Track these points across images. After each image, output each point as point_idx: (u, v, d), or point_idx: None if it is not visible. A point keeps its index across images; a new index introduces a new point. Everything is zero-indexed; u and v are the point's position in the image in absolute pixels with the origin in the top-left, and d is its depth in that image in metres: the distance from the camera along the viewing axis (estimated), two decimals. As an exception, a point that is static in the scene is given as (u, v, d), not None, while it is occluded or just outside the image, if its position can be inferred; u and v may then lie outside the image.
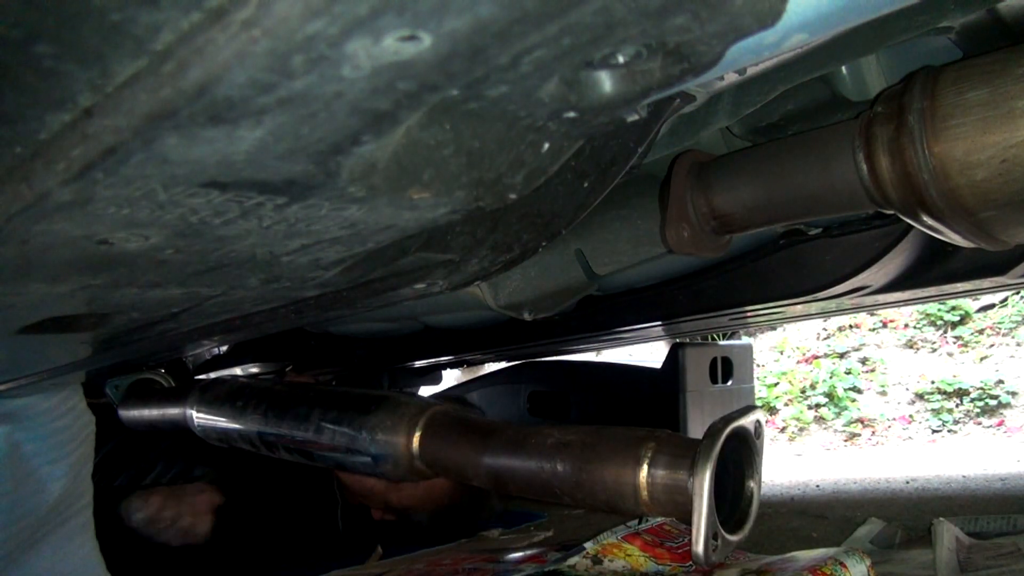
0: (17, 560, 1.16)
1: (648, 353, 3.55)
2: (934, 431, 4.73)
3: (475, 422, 1.05)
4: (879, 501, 2.26)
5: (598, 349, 3.39)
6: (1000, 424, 4.56)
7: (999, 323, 5.15)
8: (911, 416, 4.90)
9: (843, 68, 0.81)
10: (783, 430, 5.16)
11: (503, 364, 3.00)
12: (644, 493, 0.82)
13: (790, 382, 5.43)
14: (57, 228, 0.42)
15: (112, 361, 1.02)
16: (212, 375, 2.27)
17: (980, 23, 0.71)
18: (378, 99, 0.34)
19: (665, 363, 2.47)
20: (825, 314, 3.07)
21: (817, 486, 2.63)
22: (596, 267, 1.11)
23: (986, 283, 1.32)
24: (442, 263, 0.63)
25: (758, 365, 5.52)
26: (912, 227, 0.79)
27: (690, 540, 0.76)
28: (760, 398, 5.22)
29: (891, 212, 0.72)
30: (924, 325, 5.41)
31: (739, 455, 0.87)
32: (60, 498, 1.19)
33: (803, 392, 5.34)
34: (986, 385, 4.76)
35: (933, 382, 4.99)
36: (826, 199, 0.75)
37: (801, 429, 5.11)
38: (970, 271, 1.22)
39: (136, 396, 1.67)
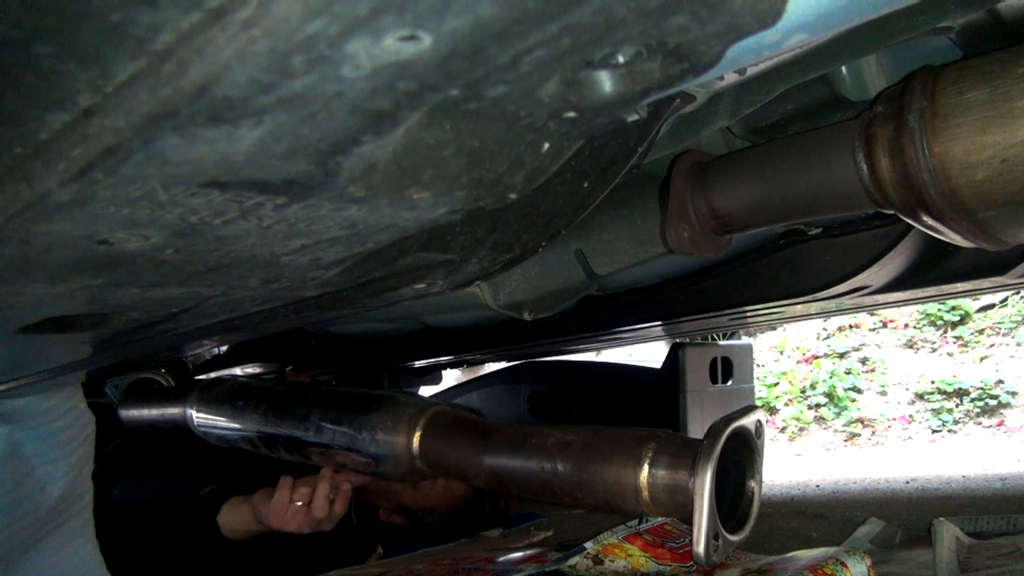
0: (17, 560, 1.16)
1: (648, 353, 3.55)
2: (934, 431, 4.73)
3: (475, 422, 1.05)
4: (879, 501, 2.26)
5: (598, 349, 3.39)
6: (1000, 424, 4.56)
7: (999, 323, 5.15)
8: (911, 416, 4.91)
9: (843, 68, 0.81)
10: (783, 430, 5.16)
11: (503, 364, 3.00)
12: (645, 493, 0.82)
13: (790, 382, 5.43)
14: (57, 228, 0.42)
15: (112, 361, 1.02)
16: (212, 375, 2.27)
17: (980, 23, 0.71)
18: (378, 99, 0.34)
19: (665, 363, 2.47)
20: (825, 314, 3.07)
21: (817, 486, 2.63)
22: (596, 267, 1.11)
23: (986, 283, 1.32)
24: (442, 263, 0.63)
25: (758, 365, 5.52)
26: (912, 227, 0.79)
27: (691, 540, 0.77)
28: (760, 398, 5.22)
29: (891, 212, 0.72)
30: (924, 325, 5.41)
31: (740, 455, 0.87)
32: (60, 498, 1.19)
33: (803, 392, 5.34)
34: (986, 385, 4.76)
35: (933, 382, 4.99)
36: (826, 199, 0.75)
37: (801, 429, 5.11)
38: (970, 271, 1.22)
39: (136, 396, 1.67)
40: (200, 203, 0.41)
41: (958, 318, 5.29)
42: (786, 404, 5.31)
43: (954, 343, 5.24)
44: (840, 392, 5.18)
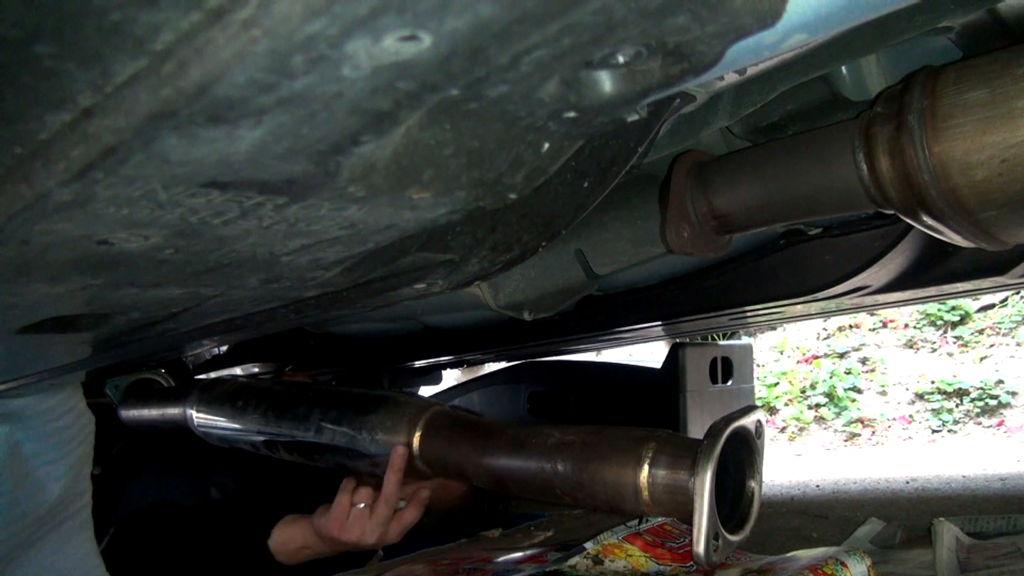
0: (16, 559, 1.16)
1: (648, 353, 3.55)
2: (934, 431, 4.72)
3: (475, 422, 1.05)
4: (879, 501, 2.26)
5: (598, 349, 3.39)
6: (1000, 424, 4.56)
7: (999, 323, 5.15)
8: (911, 416, 4.90)
9: (843, 68, 0.81)
10: (783, 430, 5.16)
11: (503, 364, 3.00)
12: (645, 493, 0.82)
13: (790, 382, 5.43)
14: (57, 228, 0.42)
15: (112, 361, 1.02)
16: (212, 375, 2.27)
17: (980, 23, 0.71)
18: (378, 99, 0.34)
19: (665, 363, 2.47)
20: (825, 314, 3.07)
21: (817, 486, 2.63)
22: (596, 267, 1.11)
23: (986, 283, 1.32)
24: (442, 263, 0.63)
25: (758, 365, 5.52)
26: (912, 227, 0.79)
27: (691, 540, 0.77)
28: (760, 398, 5.22)
29: (891, 212, 0.72)
30: (924, 325, 5.41)
31: (740, 455, 0.87)
32: (59, 498, 1.19)
33: (803, 392, 5.34)
34: (986, 385, 4.76)
35: (933, 382, 4.99)
36: (826, 199, 0.75)
37: (801, 429, 5.11)
38: (970, 271, 1.22)
39: (136, 396, 1.68)
40: (200, 203, 0.41)
41: (958, 318, 5.29)
42: (786, 404, 5.31)
43: (954, 343, 5.24)
44: (840, 392, 5.18)
